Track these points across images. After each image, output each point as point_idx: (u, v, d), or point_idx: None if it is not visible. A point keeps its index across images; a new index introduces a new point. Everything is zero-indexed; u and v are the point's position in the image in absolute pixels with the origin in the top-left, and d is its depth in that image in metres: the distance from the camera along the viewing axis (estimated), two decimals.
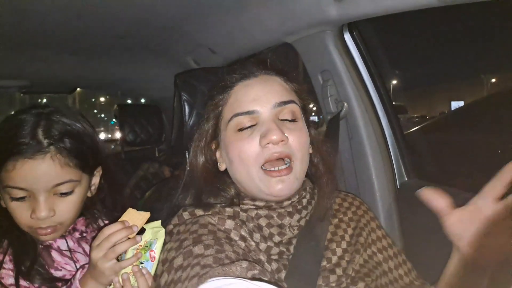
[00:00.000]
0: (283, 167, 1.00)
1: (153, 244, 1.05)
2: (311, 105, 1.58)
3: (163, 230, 1.06)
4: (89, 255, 1.03)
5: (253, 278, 0.80)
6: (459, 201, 1.42)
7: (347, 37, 1.64)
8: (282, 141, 0.99)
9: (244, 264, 0.82)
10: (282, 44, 1.78)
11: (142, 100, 4.64)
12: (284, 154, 1.00)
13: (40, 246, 1.15)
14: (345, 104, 1.62)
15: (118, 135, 3.13)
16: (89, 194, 1.23)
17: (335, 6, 1.41)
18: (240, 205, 1.06)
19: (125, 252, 1.04)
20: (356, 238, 1.14)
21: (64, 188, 1.09)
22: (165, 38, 2.17)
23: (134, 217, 1.04)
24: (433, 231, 1.48)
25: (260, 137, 1.00)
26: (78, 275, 1.08)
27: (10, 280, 1.07)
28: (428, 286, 1.13)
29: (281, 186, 1.00)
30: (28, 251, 1.11)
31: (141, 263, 1.04)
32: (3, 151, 1.04)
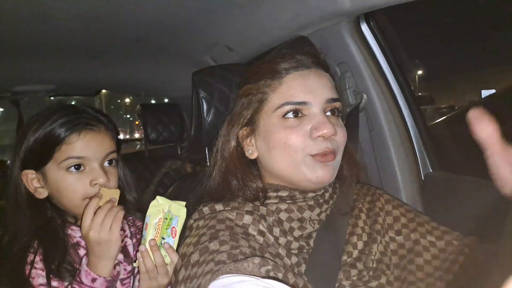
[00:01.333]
0: (329, 153, 1.00)
1: (174, 220, 1.13)
2: None
3: (185, 210, 1.14)
4: (85, 238, 1.13)
5: (267, 274, 0.80)
6: (489, 193, 1.39)
7: (364, 27, 1.61)
8: (333, 135, 1.00)
9: (257, 260, 0.82)
10: (297, 38, 1.76)
11: (166, 100, 4.72)
12: (331, 150, 1.00)
13: (69, 244, 1.20)
14: (364, 95, 1.59)
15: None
16: None
17: None
18: (263, 199, 1.06)
19: (146, 228, 1.12)
20: (373, 226, 1.12)
21: (112, 158, 1.26)
22: (181, 39, 2.19)
23: (108, 193, 1.18)
24: (460, 224, 1.45)
25: (312, 128, 1.00)
26: (84, 261, 1.14)
27: (40, 280, 1.11)
28: (469, 239, 1.08)
29: (325, 172, 1.00)
30: (58, 249, 1.16)
31: (163, 238, 1.12)
32: (63, 129, 1.19)
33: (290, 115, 1.01)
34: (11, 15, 1.68)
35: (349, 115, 1.57)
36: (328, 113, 1.04)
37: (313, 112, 1.01)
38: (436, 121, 3.51)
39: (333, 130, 0.98)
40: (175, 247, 1.12)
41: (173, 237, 1.12)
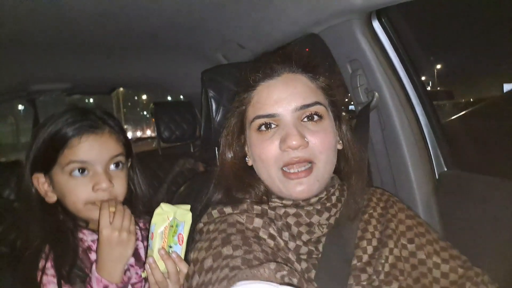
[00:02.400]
0: (303, 168, 1.00)
1: (180, 227, 1.10)
2: (344, 98, 1.55)
3: (190, 214, 1.11)
4: (99, 238, 1.12)
5: (282, 280, 0.79)
6: (506, 192, 1.35)
7: (376, 24, 1.58)
8: (301, 146, 0.98)
9: (272, 265, 0.81)
10: (309, 35, 1.75)
11: (181, 97, 4.74)
12: (304, 159, 0.99)
13: (80, 249, 1.20)
14: (376, 93, 1.57)
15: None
16: None
17: None
18: (269, 203, 1.06)
19: (152, 237, 1.09)
20: (384, 231, 1.10)
21: (118, 162, 1.24)
22: (194, 35, 2.20)
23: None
24: (476, 224, 1.42)
25: (280, 141, 1.00)
26: (94, 267, 1.13)
27: (52, 287, 1.11)
28: (479, 273, 1.05)
29: (300, 188, 1.00)
30: (68, 253, 1.16)
31: (170, 247, 1.09)
32: (65, 133, 1.18)
33: (263, 127, 1.03)
34: (27, 15, 1.70)
35: (360, 113, 1.55)
36: (305, 119, 1.02)
37: (284, 123, 1.01)
38: (454, 116, 3.43)
39: (299, 141, 0.97)
40: (182, 255, 1.09)
41: (180, 244, 1.10)
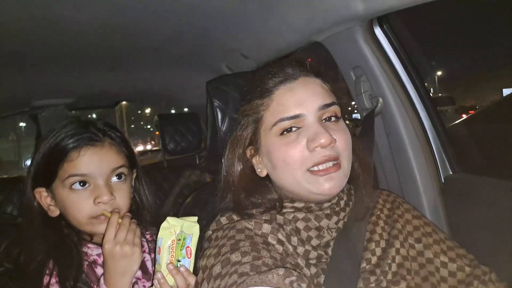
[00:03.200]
0: (331, 164, 0.99)
1: (188, 239, 1.09)
2: (351, 103, 1.55)
3: (198, 226, 1.10)
4: (109, 255, 1.11)
5: (291, 285, 0.79)
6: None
7: (378, 31, 1.60)
8: (331, 143, 0.98)
9: (281, 271, 0.81)
10: (312, 44, 1.77)
11: (185, 109, 4.74)
12: (333, 157, 0.99)
13: (86, 262, 1.19)
14: (380, 99, 1.58)
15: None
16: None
17: (361, 2, 1.38)
18: (278, 208, 1.06)
19: (160, 252, 1.08)
20: (391, 231, 1.11)
21: (119, 173, 1.22)
22: (198, 46, 2.21)
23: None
24: (483, 226, 1.42)
25: (308, 140, 0.99)
26: (102, 281, 1.13)
27: None
28: (487, 271, 1.07)
29: (330, 184, 0.99)
30: (73, 268, 1.14)
31: (178, 261, 1.08)
32: (64, 146, 1.16)
33: (287, 131, 1.01)
34: (30, 29, 1.71)
35: (365, 119, 1.56)
36: (325, 120, 1.03)
37: (308, 123, 1.01)
38: (457, 121, 3.44)
39: (329, 138, 0.97)
40: (191, 268, 1.09)
41: (188, 258, 1.08)
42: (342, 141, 1.01)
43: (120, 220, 1.15)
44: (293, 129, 1.01)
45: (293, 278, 0.80)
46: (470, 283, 1.04)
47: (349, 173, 1.05)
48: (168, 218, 1.10)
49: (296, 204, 1.05)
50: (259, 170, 1.11)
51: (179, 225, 1.09)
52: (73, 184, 1.16)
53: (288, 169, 1.02)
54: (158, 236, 1.09)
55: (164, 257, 1.08)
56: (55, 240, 1.18)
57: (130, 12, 1.66)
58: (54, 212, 1.22)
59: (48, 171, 1.18)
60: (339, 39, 1.61)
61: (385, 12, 1.43)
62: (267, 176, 1.11)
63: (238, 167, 1.12)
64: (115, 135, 1.26)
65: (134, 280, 1.16)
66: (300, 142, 1.00)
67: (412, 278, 1.04)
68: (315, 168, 0.99)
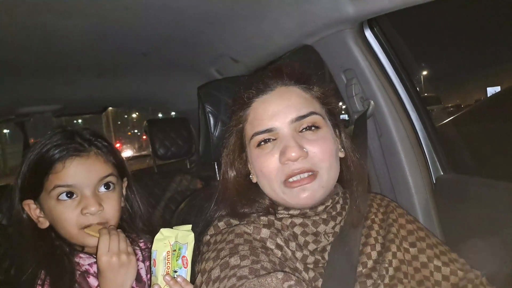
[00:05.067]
0: (305, 175, 1.00)
1: (184, 249, 1.08)
2: (341, 105, 1.55)
3: (192, 234, 1.09)
4: (100, 265, 1.09)
5: None
6: (503, 194, 1.37)
7: (368, 33, 1.61)
8: (300, 157, 0.99)
9: (280, 275, 0.81)
10: (302, 47, 1.77)
11: (173, 114, 4.71)
12: (305, 169, 1.00)
13: (78, 272, 1.17)
14: (371, 101, 1.59)
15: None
16: (122, 204, 1.29)
17: (351, 5, 1.39)
18: (275, 214, 1.06)
19: (155, 264, 1.07)
20: (386, 235, 1.11)
21: (107, 183, 1.20)
22: (187, 51, 2.20)
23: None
24: (474, 225, 1.43)
25: (280, 154, 1.01)
26: None
27: None
28: (478, 275, 1.08)
29: (304, 194, 1.00)
30: (65, 277, 1.12)
31: (175, 271, 1.07)
32: (49, 157, 1.15)
33: (262, 143, 1.04)
34: (16, 36, 1.68)
35: (357, 121, 1.57)
36: (303, 130, 1.03)
37: (282, 135, 1.02)
38: (444, 122, 3.48)
39: (298, 152, 0.98)
40: (188, 277, 1.08)
41: (185, 267, 1.07)
42: (319, 151, 1.01)
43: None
44: (270, 140, 1.03)
45: (292, 282, 0.81)
46: (464, 287, 1.05)
47: (332, 182, 1.06)
48: (162, 230, 1.09)
49: (292, 212, 1.06)
50: (251, 175, 1.13)
51: (173, 235, 1.08)
52: (59, 195, 1.14)
53: (266, 179, 1.05)
54: (153, 248, 1.08)
55: (160, 269, 1.06)
56: (47, 251, 1.16)
57: (118, 18, 1.64)
58: (44, 223, 1.20)
59: (35, 182, 1.16)
60: (330, 42, 1.62)
61: (376, 15, 1.44)
62: None
63: (231, 174, 1.14)
64: (102, 145, 1.24)
65: None
66: (274, 155, 1.02)
67: (408, 281, 1.04)
68: (290, 180, 1.01)
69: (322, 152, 1.01)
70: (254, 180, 1.12)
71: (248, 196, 1.11)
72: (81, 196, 1.16)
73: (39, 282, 1.11)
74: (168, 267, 1.06)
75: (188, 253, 1.08)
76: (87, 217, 1.15)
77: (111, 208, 1.20)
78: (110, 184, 1.22)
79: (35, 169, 1.16)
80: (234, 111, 1.13)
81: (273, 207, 1.08)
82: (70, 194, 1.15)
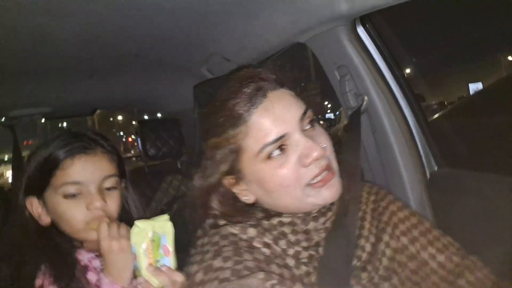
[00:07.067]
0: (325, 173, 0.96)
1: (163, 239, 1.09)
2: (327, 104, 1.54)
3: (170, 223, 1.10)
4: (108, 251, 1.13)
5: None
6: (497, 187, 1.39)
7: (361, 30, 1.62)
8: (323, 154, 0.95)
9: (261, 275, 0.82)
10: (295, 44, 1.77)
11: (158, 115, 4.69)
12: (326, 165, 0.96)
13: (77, 268, 1.19)
14: (365, 97, 1.59)
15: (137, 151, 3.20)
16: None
17: (344, 2, 1.39)
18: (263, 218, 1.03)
19: (136, 258, 1.08)
20: (378, 225, 1.11)
21: (111, 182, 1.25)
22: (177, 52, 2.19)
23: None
24: (469, 219, 1.45)
25: (301, 157, 0.94)
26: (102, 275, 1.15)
27: None
28: (474, 260, 1.07)
29: (331, 190, 0.97)
30: (67, 271, 1.16)
31: (158, 261, 1.08)
32: (58, 155, 1.20)
33: (274, 154, 0.94)
34: (4, 39, 1.66)
35: (351, 118, 1.57)
36: (306, 128, 0.98)
37: (294, 139, 0.94)
38: (431, 118, 3.53)
39: (321, 150, 0.93)
40: (173, 265, 1.07)
41: (167, 256, 1.07)
42: (328, 146, 1.00)
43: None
44: (281, 149, 0.95)
45: (274, 281, 0.82)
46: (461, 273, 1.03)
47: None
48: (136, 222, 1.09)
49: (282, 219, 1.01)
50: (246, 198, 1.03)
51: (150, 226, 1.08)
52: (66, 192, 1.18)
53: (287, 191, 0.95)
54: (131, 242, 1.08)
55: (142, 262, 1.07)
56: (48, 248, 1.19)
57: (108, 19, 1.62)
58: (45, 221, 1.23)
59: (41, 180, 1.20)
60: (323, 39, 1.62)
61: (368, 11, 1.45)
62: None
63: (216, 200, 1.03)
64: (107, 144, 1.30)
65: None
66: (291, 161, 0.94)
67: (403, 271, 1.05)
68: (314, 181, 0.95)
69: (330, 146, 1.00)
70: (251, 201, 1.03)
71: (236, 217, 1.03)
72: (87, 193, 1.19)
73: (39, 276, 1.14)
74: (150, 258, 1.07)
75: (169, 242, 1.09)
76: (92, 212, 1.18)
77: (114, 204, 1.24)
78: (113, 182, 1.26)
79: (42, 167, 1.20)
80: (221, 132, 0.98)
81: (267, 218, 1.02)
82: (77, 191, 1.18)
